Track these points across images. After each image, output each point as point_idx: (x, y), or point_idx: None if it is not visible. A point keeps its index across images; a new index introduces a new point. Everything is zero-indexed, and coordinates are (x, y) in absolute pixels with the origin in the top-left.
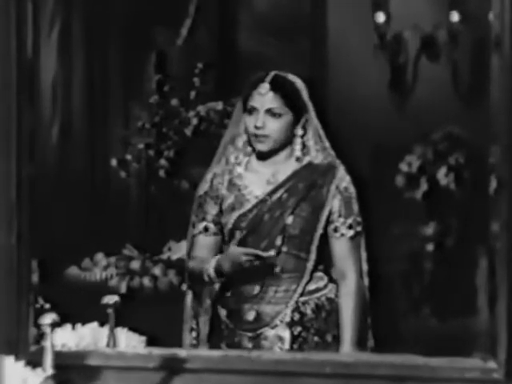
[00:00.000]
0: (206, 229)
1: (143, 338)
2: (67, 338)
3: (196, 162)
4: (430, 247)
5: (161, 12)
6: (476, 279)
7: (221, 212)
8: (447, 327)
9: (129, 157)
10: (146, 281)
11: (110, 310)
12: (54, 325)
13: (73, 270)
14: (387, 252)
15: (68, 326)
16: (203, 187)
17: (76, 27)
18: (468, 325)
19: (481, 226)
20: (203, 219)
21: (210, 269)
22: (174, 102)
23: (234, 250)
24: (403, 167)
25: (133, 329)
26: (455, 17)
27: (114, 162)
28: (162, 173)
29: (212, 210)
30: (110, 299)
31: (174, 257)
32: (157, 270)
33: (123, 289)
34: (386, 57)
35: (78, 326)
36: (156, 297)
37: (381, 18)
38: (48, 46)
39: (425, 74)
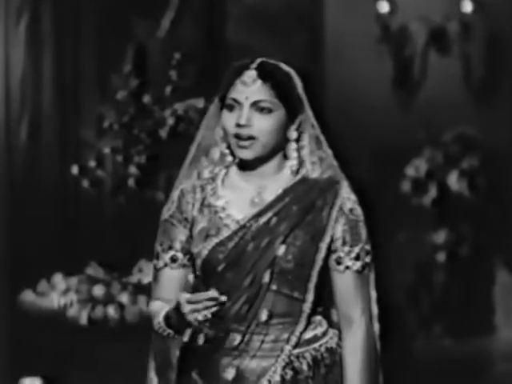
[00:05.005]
0: (173, 259)
1: None
2: None
3: (172, 170)
4: (441, 257)
5: (139, 1)
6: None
7: (191, 238)
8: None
9: (92, 163)
10: (111, 310)
11: None
12: None
13: (27, 296)
14: (394, 265)
15: None
16: (169, 208)
17: (46, 17)
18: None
19: (498, 234)
20: (170, 248)
21: (161, 322)
22: (147, 98)
23: (180, 298)
24: (409, 171)
25: None
26: (468, 7)
27: (75, 170)
28: (131, 182)
29: (181, 235)
30: None
31: (146, 280)
32: (124, 298)
33: (84, 319)
34: (390, 51)
35: None
36: (122, 331)
37: (384, 7)
38: (15, 38)
39: (434, 70)
